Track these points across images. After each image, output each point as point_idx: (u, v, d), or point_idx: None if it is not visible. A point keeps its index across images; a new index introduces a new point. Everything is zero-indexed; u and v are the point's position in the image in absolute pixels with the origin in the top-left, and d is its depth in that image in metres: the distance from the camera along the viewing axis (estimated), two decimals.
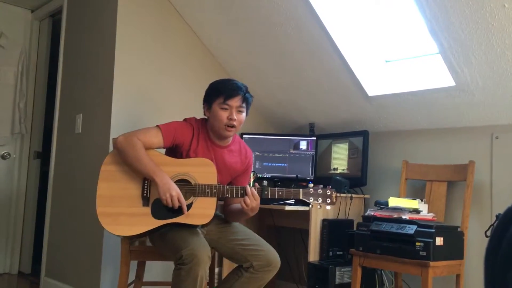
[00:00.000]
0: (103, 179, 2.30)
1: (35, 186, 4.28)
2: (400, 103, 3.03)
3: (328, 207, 2.30)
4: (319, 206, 2.30)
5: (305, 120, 3.68)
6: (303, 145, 3.53)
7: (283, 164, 3.55)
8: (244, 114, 2.39)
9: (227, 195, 2.26)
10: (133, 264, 2.57)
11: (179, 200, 2.19)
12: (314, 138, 3.51)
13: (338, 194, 2.97)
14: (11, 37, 4.15)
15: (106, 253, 3.00)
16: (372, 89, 3.10)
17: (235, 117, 2.32)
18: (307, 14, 2.85)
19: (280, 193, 2.26)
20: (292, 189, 2.29)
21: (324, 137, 3.48)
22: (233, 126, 2.33)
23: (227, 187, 2.27)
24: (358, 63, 3.02)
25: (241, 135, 3.57)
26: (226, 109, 2.33)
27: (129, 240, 2.44)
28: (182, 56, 3.46)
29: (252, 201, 2.22)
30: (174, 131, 2.34)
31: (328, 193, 2.28)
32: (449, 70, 2.65)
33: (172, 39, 3.42)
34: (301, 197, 2.27)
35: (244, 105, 2.37)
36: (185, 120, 2.44)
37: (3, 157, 4.15)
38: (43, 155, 4.30)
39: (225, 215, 2.51)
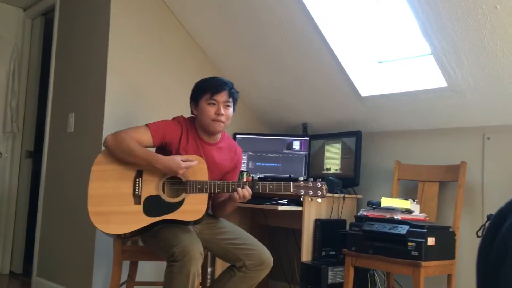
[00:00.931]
0: (94, 179, 2.30)
1: (26, 186, 4.25)
2: (393, 103, 3.04)
3: (319, 200, 2.30)
4: (310, 199, 2.31)
5: (298, 120, 3.68)
6: (296, 145, 3.53)
7: (276, 164, 3.55)
8: (231, 109, 2.41)
9: (219, 191, 2.28)
10: (126, 264, 2.56)
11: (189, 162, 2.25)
12: (307, 138, 3.52)
13: (331, 194, 2.99)
14: (3, 36, 4.13)
15: (98, 253, 2.98)
16: (365, 89, 3.11)
17: (222, 111, 2.35)
18: (301, 14, 2.86)
19: (271, 186, 2.27)
20: (282, 182, 2.30)
21: (317, 137, 3.48)
22: (221, 121, 2.35)
23: (218, 182, 2.29)
24: (351, 64, 3.03)
25: (234, 135, 3.57)
26: (213, 104, 2.35)
27: (121, 240, 2.44)
28: (175, 56, 3.46)
29: (245, 193, 2.25)
30: (163, 129, 2.34)
31: (319, 186, 2.29)
32: (441, 71, 2.66)
33: (165, 38, 3.41)
34: (291, 190, 2.28)
35: (230, 100, 2.39)
36: (173, 118, 2.45)
37: None
38: (35, 154, 4.27)
39: (212, 210, 2.53)
